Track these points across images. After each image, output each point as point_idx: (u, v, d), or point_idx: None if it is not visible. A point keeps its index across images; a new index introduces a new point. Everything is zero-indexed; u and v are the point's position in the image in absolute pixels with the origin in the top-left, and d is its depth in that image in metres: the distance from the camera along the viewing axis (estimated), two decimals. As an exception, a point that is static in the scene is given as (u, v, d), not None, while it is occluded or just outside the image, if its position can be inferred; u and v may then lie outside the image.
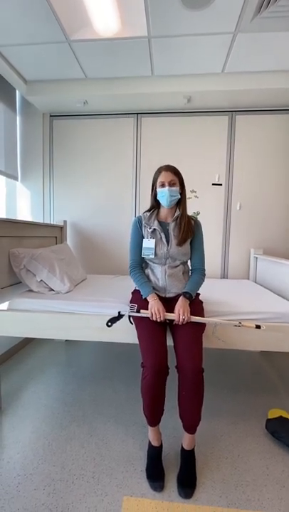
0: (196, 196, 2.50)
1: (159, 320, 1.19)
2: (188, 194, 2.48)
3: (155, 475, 1.11)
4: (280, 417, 1.41)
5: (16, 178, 2.62)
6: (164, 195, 1.31)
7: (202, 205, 2.49)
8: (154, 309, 1.20)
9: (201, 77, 2.11)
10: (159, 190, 1.33)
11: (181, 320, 1.18)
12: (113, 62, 1.99)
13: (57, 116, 2.59)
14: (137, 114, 2.50)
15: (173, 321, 1.22)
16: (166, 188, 1.30)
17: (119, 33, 1.70)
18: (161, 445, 1.19)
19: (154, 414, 1.14)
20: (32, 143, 2.61)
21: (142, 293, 1.31)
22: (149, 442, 1.20)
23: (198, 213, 2.48)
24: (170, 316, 1.21)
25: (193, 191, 2.49)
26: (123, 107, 2.44)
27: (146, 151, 2.53)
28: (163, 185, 1.31)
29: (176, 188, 1.32)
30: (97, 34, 1.72)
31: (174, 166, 1.37)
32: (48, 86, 2.24)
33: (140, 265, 1.41)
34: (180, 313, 1.19)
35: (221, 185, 2.49)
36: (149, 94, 2.20)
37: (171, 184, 1.30)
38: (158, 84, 2.15)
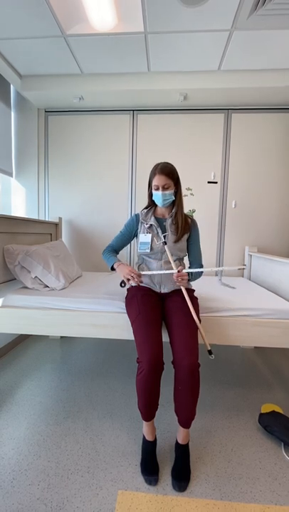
0: (191, 194, 2.50)
1: (136, 280, 1.23)
2: (184, 192, 2.50)
3: (150, 469, 1.12)
4: (273, 411, 1.44)
5: (10, 175, 2.59)
6: (158, 198, 1.35)
7: (197, 203, 2.50)
8: (126, 273, 1.25)
9: (197, 74, 2.11)
10: (153, 192, 1.36)
11: (178, 278, 1.22)
12: (109, 57, 1.97)
13: (52, 112, 2.56)
14: (133, 110, 2.50)
15: (168, 315, 1.23)
16: (160, 191, 1.32)
17: (115, 28, 1.69)
18: (155, 439, 1.20)
19: (148, 409, 1.14)
20: (27, 139, 2.59)
21: (108, 264, 1.39)
22: (144, 437, 1.20)
23: (193, 211, 2.49)
24: (169, 270, 1.25)
25: (188, 189, 2.49)
26: (119, 104, 2.43)
27: (142, 148, 2.52)
28: (157, 189, 1.33)
29: (170, 192, 1.33)
30: (93, 29, 1.70)
31: (169, 162, 1.37)
32: (43, 81, 2.22)
33: (114, 250, 1.48)
34: (181, 272, 1.23)
35: (216, 183, 2.50)
36: (146, 91, 2.19)
37: (164, 188, 1.32)
38: (154, 81, 2.14)
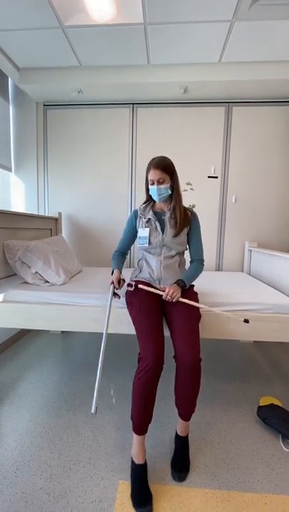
0: (191, 189, 2.50)
1: (114, 285, 1.35)
2: (184, 186, 2.49)
3: (144, 500, 0.99)
4: (271, 404, 1.46)
5: (9, 169, 2.58)
6: (154, 193, 1.34)
7: (198, 198, 2.49)
8: (113, 278, 1.37)
9: (197, 66, 2.08)
10: (149, 187, 1.36)
11: (167, 298, 1.23)
12: (108, 49, 1.94)
13: (51, 105, 2.53)
14: (133, 104, 2.47)
15: (169, 309, 1.24)
16: (155, 186, 1.32)
17: (114, 19, 1.66)
18: (145, 462, 1.08)
19: (144, 415, 1.08)
20: (26, 133, 2.57)
21: (112, 267, 1.45)
22: (133, 462, 1.09)
23: (193, 206, 2.48)
24: (157, 291, 1.28)
25: (188, 184, 2.49)
26: (119, 97, 2.40)
27: (142, 142, 2.50)
28: (152, 183, 1.33)
29: (166, 186, 1.32)
30: (92, 20, 1.67)
31: (166, 156, 1.35)
32: (41, 74, 2.19)
33: (123, 250, 1.52)
34: (169, 292, 1.22)
35: (216, 177, 2.49)
36: (145, 84, 2.16)
37: (159, 182, 1.31)
38: (154, 74, 2.11)
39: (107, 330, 1.21)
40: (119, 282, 1.37)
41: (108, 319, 1.25)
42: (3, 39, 1.86)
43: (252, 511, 0.98)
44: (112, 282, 1.36)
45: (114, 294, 1.36)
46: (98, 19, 1.66)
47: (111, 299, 1.33)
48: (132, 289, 1.31)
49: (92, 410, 0.98)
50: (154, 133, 2.48)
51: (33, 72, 2.19)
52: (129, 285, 1.34)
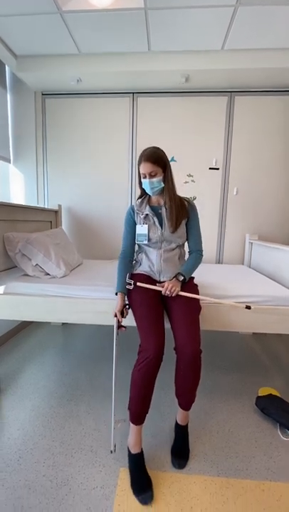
0: (192, 181, 2.47)
1: (118, 318, 1.23)
2: (185, 178, 2.47)
3: (144, 486, 1.02)
4: (270, 394, 1.48)
5: (8, 161, 2.54)
6: (147, 187, 1.30)
7: (199, 190, 2.47)
8: (116, 309, 1.25)
9: (199, 53, 2.02)
10: (142, 180, 1.31)
11: (167, 293, 1.21)
12: (108, 36, 1.89)
13: (49, 94, 2.48)
14: (133, 93, 2.42)
15: (169, 301, 1.25)
16: (147, 179, 1.27)
17: (114, 3, 1.61)
18: (142, 451, 1.11)
19: (142, 405, 1.10)
20: (24, 123, 2.52)
21: (116, 286, 1.32)
22: (129, 452, 1.11)
23: (194, 198, 2.46)
24: (156, 287, 1.25)
25: (190, 175, 2.46)
26: (119, 86, 2.35)
27: (142, 133, 2.46)
28: (144, 177, 1.28)
29: (158, 178, 1.27)
30: (91, 4, 1.62)
31: (158, 147, 1.30)
32: (39, 61, 2.13)
33: (129, 255, 1.41)
34: (168, 286, 1.21)
35: (218, 169, 2.46)
36: (146, 72, 2.11)
37: (151, 176, 1.26)
38: (155, 61, 2.06)
39: (116, 369, 1.20)
40: (122, 313, 1.25)
41: (116, 357, 1.21)
42: (0, 24, 1.80)
43: (250, 498, 1.01)
44: (116, 315, 1.24)
45: (120, 327, 1.24)
46: (97, 4, 1.61)
47: (117, 333, 1.24)
48: (131, 287, 1.28)
49: (112, 448, 1.07)
50: (155, 123, 2.44)
51: (30, 60, 2.14)
52: (128, 283, 1.29)
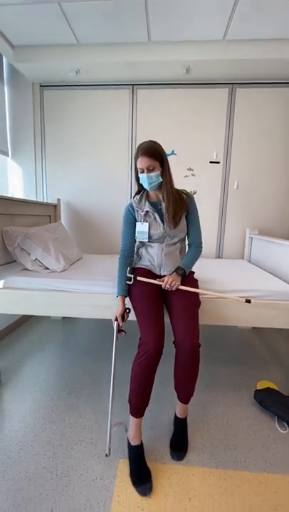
0: (192, 174, 2.45)
1: (118, 323, 1.23)
2: (185, 172, 2.45)
3: (143, 478, 1.03)
4: (268, 388, 1.49)
5: (6, 154, 2.52)
6: (144, 182, 1.26)
7: (199, 184, 2.45)
8: (117, 313, 1.25)
9: (200, 44, 1.98)
10: (139, 175, 1.28)
11: (167, 287, 1.21)
12: (107, 25, 1.84)
13: (48, 86, 2.44)
14: (133, 85, 2.37)
15: (169, 296, 1.25)
16: (145, 174, 1.24)
17: (113, -9, 1.56)
18: (142, 443, 1.13)
19: (142, 398, 1.11)
20: (22, 115, 2.49)
21: (117, 288, 1.31)
22: (129, 443, 1.12)
23: (194, 192, 2.45)
24: (156, 282, 1.24)
25: (190, 169, 2.44)
26: (118, 77, 2.31)
27: (142, 126, 2.42)
28: (142, 172, 1.25)
29: (156, 173, 1.24)
30: (89, -8, 1.58)
31: (154, 141, 1.27)
32: (37, 52, 2.09)
33: (129, 253, 1.38)
34: (168, 280, 1.21)
35: (218, 163, 2.43)
36: (146, 62, 2.07)
37: (149, 170, 1.23)
38: (155, 52, 2.01)
39: (115, 372, 1.21)
40: (123, 317, 1.25)
41: (115, 361, 1.22)
42: (-4, 13, 1.76)
43: (247, 489, 1.02)
44: (116, 319, 1.24)
45: (120, 331, 1.24)
46: (96, -9, 1.57)
47: (117, 338, 1.23)
48: (131, 282, 1.27)
49: (106, 452, 1.08)
50: (155, 115, 2.40)
51: (28, 50, 2.09)
52: (128, 279, 1.28)
